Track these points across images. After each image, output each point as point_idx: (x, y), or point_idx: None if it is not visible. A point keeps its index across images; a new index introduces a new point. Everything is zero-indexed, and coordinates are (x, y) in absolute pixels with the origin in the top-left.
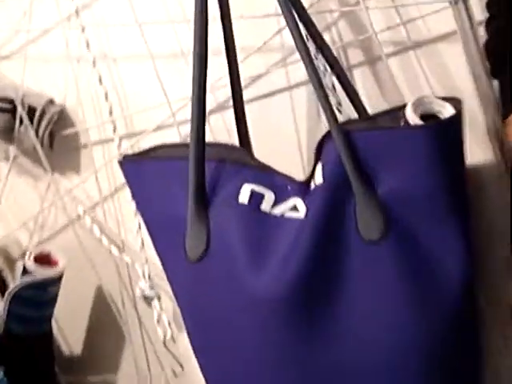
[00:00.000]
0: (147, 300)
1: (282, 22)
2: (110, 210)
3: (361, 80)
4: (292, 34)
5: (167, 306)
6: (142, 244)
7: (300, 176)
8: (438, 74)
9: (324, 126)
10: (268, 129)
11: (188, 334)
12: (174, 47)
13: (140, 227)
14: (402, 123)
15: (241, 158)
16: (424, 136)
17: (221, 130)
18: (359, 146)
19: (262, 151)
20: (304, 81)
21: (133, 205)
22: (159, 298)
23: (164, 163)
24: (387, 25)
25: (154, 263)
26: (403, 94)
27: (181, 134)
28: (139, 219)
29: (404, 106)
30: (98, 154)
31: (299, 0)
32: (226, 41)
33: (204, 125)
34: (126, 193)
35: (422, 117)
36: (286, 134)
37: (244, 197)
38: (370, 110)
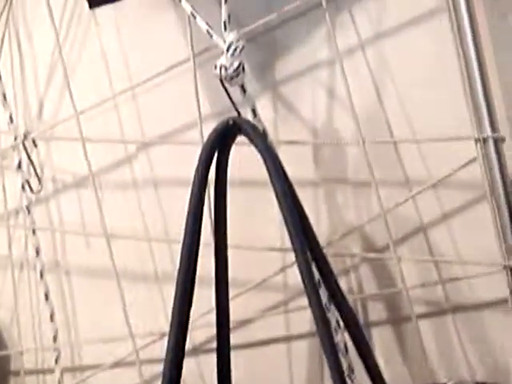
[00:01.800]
0: None
1: (288, 257)
2: None
3: (381, 342)
4: (301, 274)
5: None
6: None
7: None
8: (478, 346)
9: None
10: None
11: None
12: (146, 266)
13: None
14: None
15: None
16: None
17: (194, 378)
18: None
19: None
20: (306, 333)
21: None
22: None
23: None
24: (421, 280)
25: None
26: (432, 365)
27: (142, 375)
28: None
29: None
30: None
31: (314, 235)
32: (217, 269)
33: (180, 373)
34: None
35: None
36: None
37: None
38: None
